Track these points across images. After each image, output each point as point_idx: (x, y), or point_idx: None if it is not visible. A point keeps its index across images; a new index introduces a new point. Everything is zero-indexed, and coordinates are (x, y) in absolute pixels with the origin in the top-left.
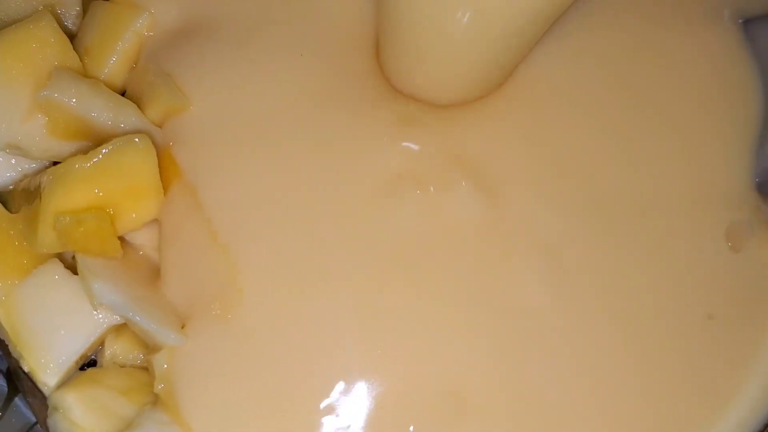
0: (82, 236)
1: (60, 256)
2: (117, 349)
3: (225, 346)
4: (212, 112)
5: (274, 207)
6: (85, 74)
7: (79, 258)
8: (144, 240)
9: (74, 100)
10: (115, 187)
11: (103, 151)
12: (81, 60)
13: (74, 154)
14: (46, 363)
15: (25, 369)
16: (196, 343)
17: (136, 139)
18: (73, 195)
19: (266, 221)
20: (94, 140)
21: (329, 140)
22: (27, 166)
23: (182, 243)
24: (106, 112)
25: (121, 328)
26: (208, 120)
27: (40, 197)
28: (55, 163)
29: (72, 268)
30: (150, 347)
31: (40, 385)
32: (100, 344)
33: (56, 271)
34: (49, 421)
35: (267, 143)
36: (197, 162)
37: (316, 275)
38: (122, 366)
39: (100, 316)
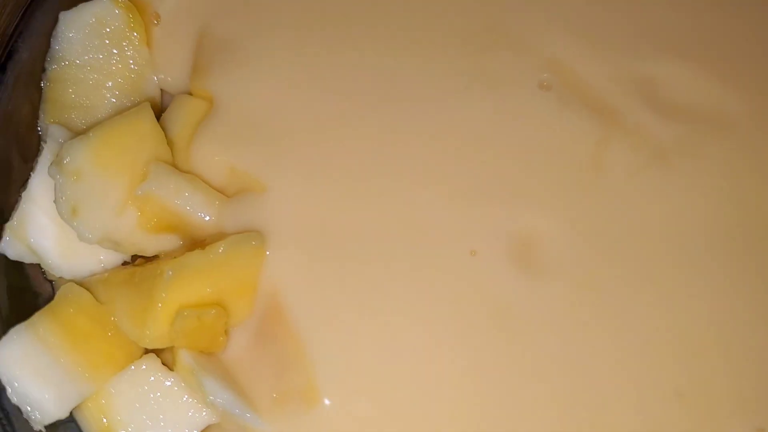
0: (195, 331)
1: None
2: None
3: None
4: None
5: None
6: (174, 167)
7: (186, 354)
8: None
9: (174, 196)
10: (227, 284)
11: (221, 248)
12: None
13: (179, 250)
14: None
15: None
16: None
17: (253, 242)
18: (192, 290)
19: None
20: (183, 234)
21: None
22: (110, 258)
23: (265, 342)
24: (204, 208)
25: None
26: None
27: (153, 290)
28: (137, 257)
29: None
30: None
31: None
32: None
33: (155, 368)
34: None
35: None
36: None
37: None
38: None
39: (197, 415)
